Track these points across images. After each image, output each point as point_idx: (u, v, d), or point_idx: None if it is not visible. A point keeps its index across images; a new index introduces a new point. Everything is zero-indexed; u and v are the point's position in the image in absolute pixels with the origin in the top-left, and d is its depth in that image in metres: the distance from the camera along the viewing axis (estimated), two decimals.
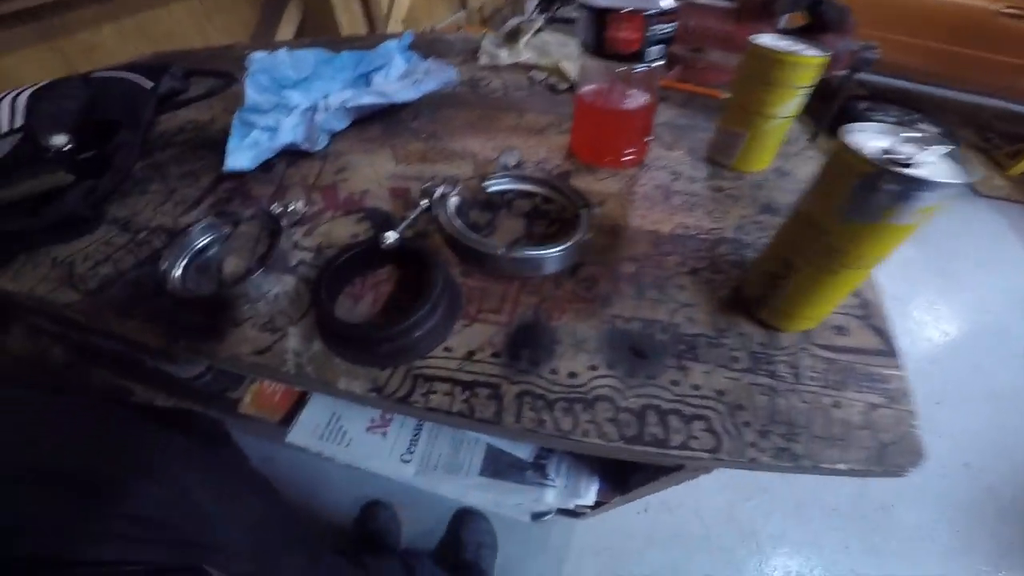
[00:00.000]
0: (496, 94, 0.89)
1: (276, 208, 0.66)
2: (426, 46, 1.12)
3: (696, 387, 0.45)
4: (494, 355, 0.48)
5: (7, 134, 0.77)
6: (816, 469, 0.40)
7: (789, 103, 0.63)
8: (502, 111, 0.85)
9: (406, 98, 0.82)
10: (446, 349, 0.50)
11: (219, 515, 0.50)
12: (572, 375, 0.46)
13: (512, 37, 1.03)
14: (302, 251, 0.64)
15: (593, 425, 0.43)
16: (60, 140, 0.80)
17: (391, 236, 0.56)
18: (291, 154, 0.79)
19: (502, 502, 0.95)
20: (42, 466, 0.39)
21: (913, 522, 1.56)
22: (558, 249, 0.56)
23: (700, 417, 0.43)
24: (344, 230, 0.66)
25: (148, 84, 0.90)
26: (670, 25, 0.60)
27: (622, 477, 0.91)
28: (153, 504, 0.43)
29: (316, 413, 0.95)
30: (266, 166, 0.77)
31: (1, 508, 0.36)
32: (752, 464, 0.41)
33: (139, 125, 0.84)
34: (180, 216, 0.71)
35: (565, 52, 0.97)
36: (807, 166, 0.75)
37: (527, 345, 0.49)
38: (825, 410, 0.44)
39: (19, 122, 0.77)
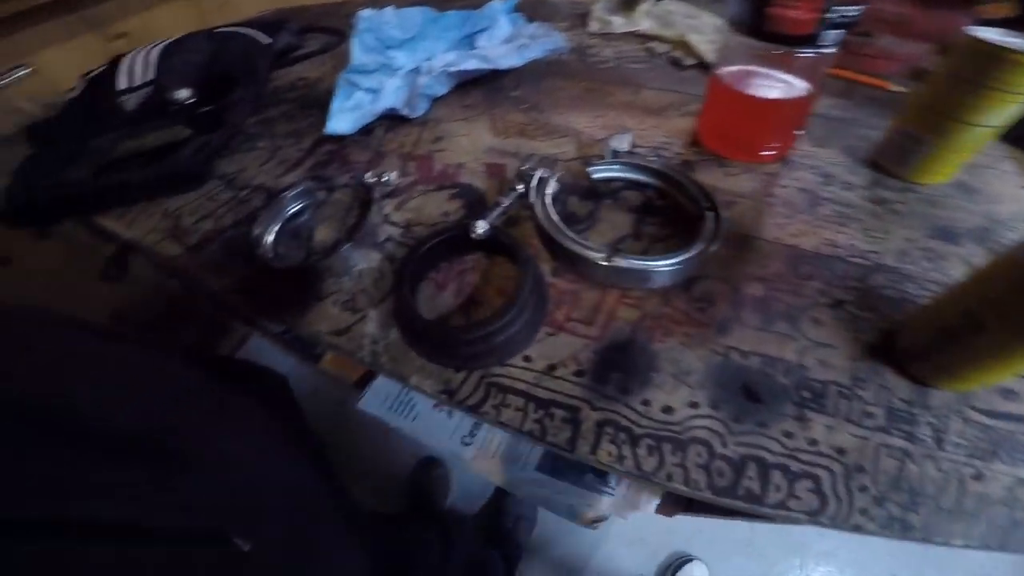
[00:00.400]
0: (606, 65, 0.79)
1: (370, 178, 0.62)
2: (531, 8, 1.02)
3: (813, 442, 0.38)
4: (578, 373, 0.43)
5: (140, 87, 0.80)
6: (927, 541, 0.34)
7: (1003, 111, 0.48)
8: (613, 85, 0.74)
9: (510, 64, 0.74)
10: (525, 358, 0.44)
11: (257, 477, 0.48)
12: (667, 410, 0.40)
13: (628, 3, 0.91)
14: (391, 226, 0.60)
15: (680, 469, 0.37)
16: (183, 94, 0.83)
17: (481, 227, 0.50)
18: (390, 119, 0.75)
19: (555, 501, 0.90)
20: (60, 413, 0.36)
21: (976, 560, 1.33)
22: (674, 262, 0.46)
23: (809, 476, 0.36)
24: (435, 207, 0.61)
25: (266, 40, 0.90)
26: (856, 8, 0.47)
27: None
28: (179, 466, 0.41)
29: (388, 383, 0.95)
30: (366, 130, 0.74)
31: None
32: (854, 530, 0.34)
33: (255, 81, 0.84)
34: (280, 176, 0.70)
35: (692, 24, 0.83)
36: (1002, 183, 0.58)
37: (618, 367, 0.43)
38: (962, 481, 0.36)
39: (150, 76, 0.80)
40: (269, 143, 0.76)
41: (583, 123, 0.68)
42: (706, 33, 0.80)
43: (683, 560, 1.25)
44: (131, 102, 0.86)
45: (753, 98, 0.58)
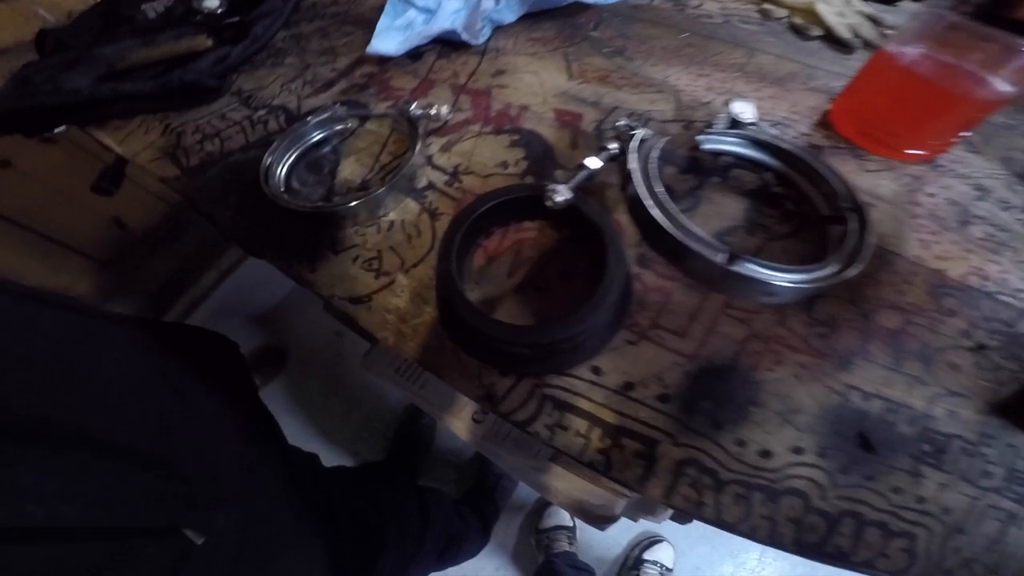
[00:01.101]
0: (711, 20, 0.63)
1: (416, 109, 0.49)
2: None
3: (920, 499, 0.31)
4: (662, 397, 0.33)
5: None
6: None
7: None
8: (720, 43, 0.59)
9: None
10: (594, 369, 0.35)
11: (212, 463, 0.37)
12: (765, 454, 0.32)
13: None
14: (435, 171, 0.47)
15: (768, 522, 0.30)
16: (213, 3, 0.69)
17: (563, 194, 0.37)
18: (444, 44, 0.61)
19: (563, 493, 0.80)
20: None
21: None
22: (809, 278, 0.34)
23: (906, 535, 0.30)
24: (490, 154, 0.48)
25: None
26: None
27: None
28: (127, 453, 0.30)
29: None
30: (414, 53, 0.60)
31: None
32: None
33: None
34: (307, 98, 0.57)
35: None
36: None
37: (712, 396, 0.33)
38: None
39: None
40: (298, 60, 0.63)
41: (683, 80, 0.54)
42: (833, 4, 0.64)
43: (652, 540, 1.22)
44: (154, 10, 0.73)
45: (940, 89, 0.42)
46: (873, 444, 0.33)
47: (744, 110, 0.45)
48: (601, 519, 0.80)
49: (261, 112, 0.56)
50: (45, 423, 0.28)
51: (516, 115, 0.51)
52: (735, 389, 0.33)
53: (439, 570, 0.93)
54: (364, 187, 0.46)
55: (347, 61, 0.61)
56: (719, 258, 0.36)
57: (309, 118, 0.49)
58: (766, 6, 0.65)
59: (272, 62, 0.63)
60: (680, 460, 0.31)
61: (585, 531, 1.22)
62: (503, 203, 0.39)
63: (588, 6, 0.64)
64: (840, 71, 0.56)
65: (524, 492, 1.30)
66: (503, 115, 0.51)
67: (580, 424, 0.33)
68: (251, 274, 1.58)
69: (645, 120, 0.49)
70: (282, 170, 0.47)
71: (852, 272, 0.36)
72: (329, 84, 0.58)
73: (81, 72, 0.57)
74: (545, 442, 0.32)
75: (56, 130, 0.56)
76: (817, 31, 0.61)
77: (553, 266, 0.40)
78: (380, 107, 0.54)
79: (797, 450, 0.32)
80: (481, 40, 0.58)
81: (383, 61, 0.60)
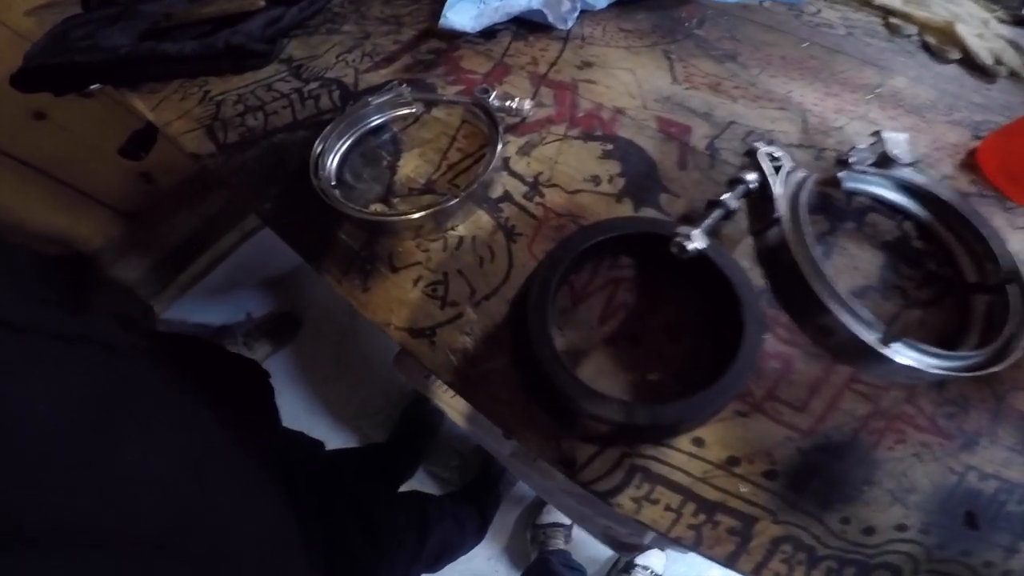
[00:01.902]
0: (833, 31, 0.53)
1: (494, 100, 0.40)
2: None
3: (1007, 572, 0.28)
4: (768, 474, 0.30)
5: None
6: None
7: None
8: (848, 59, 0.49)
9: None
10: (696, 441, 0.31)
11: (223, 549, 0.31)
12: (868, 531, 0.29)
13: None
14: (512, 178, 0.39)
15: None
16: None
17: (696, 240, 0.29)
18: (520, 23, 0.52)
19: (592, 521, 0.74)
20: None
21: None
22: (965, 364, 0.29)
23: None
24: (578, 163, 0.39)
25: None
26: None
27: None
28: (138, 551, 0.24)
29: None
30: (487, 32, 0.50)
31: None
32: None
33: None
34: (365, 72, 0.48)
35: (958, 12, 0.55)
36: None
37: (823, 475, 0.30)
38: None
39: None
40: (357, 28, 0.54)
41: (809, 97, 0.44)
42: (972, 24, 0.54)
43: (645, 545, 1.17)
44: None
45: None
46: (978, 522, 0.31)
47: (899, 145, 0.36)
48: (630, 547, 0.74)
49: (313, 85, 0.47)
50: (58, 528, 0.21)
51: (609, 119, 0.42)
52: (850, 468, 0.30)
53: (431, 572, 0.89)
54: (428, 189, 0.38)
55: (412, 33, 0.52)
56: (871, 336, 0.29)
57: (370, 99, 0.41)
58: (894, 20, 0.55)
59: (328, 28, 0.54)
60: (777, 537, 0.29)
61: (580, 530, 1.18)
62: (608, 240, 0.31)
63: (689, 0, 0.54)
64: (983, 103, 0.46)
65: (521, 488, 1.25)
66: (593, 117, 0.42)
67: (672, 499, 0.29)
68: (272, 237, 1.52)
69: (768, 143, 0.40)
70: (334, 159, 0.39)
71: (1013, 359, 0.29)
72: (391, 58, 0.49)
73: (122, 29, 0.50)
74: (629, 515, 0.29)
75: (91, 87, 0.49)
76: (955, 54, 0.51)
77: (655, 316, 0.33)
78: (449, 91, 0.45)
79: (901, 527, 0.29)
80: (568, 24, 0.48)
81: (453, 36, 0.51)
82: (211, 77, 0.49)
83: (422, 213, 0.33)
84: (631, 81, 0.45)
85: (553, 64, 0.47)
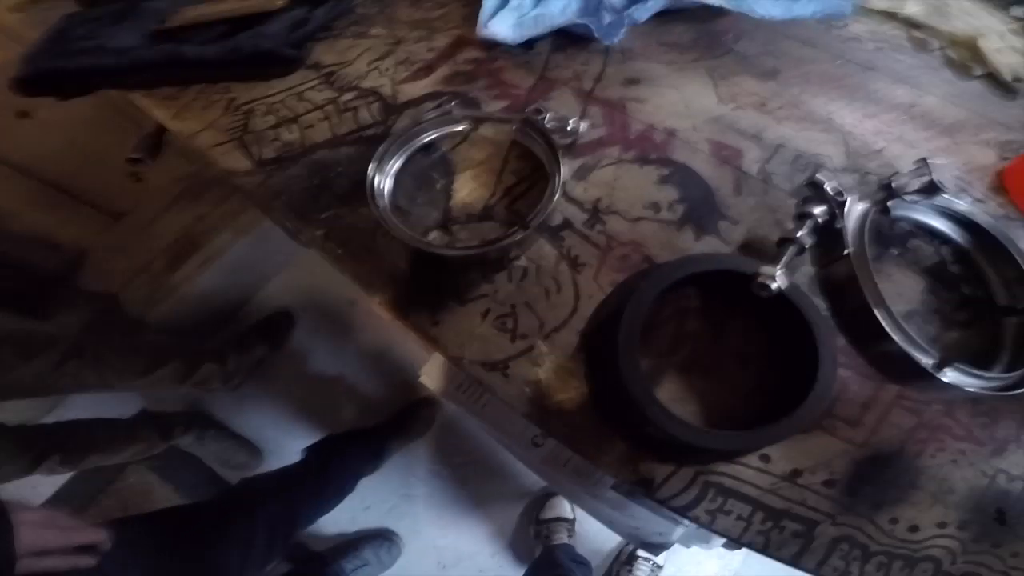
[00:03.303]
0: (862, 47, 0.52)
1: (548, 119, 0.38)
2: None
3: None
4: (827, 483, 0.33)
5: None
6: None
7: None
8: (881, 77, 0.49)
9: (767, 13, 0.47)
10: (763, 457, 0.33)
11: None
12: (913, 529, 0.32)
13: None
14: (570, 204, 0.38)
15: None
16: None
17: (779, 280, 0.28)
18: (557, 34, 0.49)
19: (620, 522, 0.74)
20: None
21: None
22: (1007, 383, 0.31)
23: None
24: (636, 189, 0.38)
25: None
26: None
27: None
28: None
29: None
30: (525, 43, 0.48)
31: None
32: None
33: None
34: (402, 83, 0.45)
35: (980, 25, 0.55)
36: None
37: (876, 481, 0.33)
38: None
39: None
40: (386, 31, 0.50)
41: (848, 119, 0.44)
42: (992, 39, 0.54)
43: None
44: None
45: None
46: (1007, 518, 0.33)
47: (943, 173, 0.36)
48: (657, 546, 0.75)
49: (348, 96, 0.44)
50: None
51: (663, 142, 0.41)
52: (898, 474, 0.33)
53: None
54: (487, 216, 0.37)
55: (446, 40, 0.49)
56: (927, 361, 0.31)
57: (426, 115, 0.39)
58: (918, 34, 0.55)
59: (355, 31, 0.50)
60: (836, 537, 0.31)
61: (582, 523, 1.19)
62: (687, 278, 0.30)
63: (727, 12, 0.52)
64: (1007, 121, 0.47)
65: (530, 480, 1.25)
66: (646, 139, 0.41)
67: (743, 509, 0.31)
68: (268, 235, 1.45)
69: (816, 167, 0.40)
70: (388, 182, 0.37)
71: None
72: (429, 68, 0.47)
73: (129, 28, 0.45)
74: (703, 525, 0.31)
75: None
76: (978, 70, 0.52)
77: (725, 346, 0.33)
78: (494, 107, 0.43)
79: (942, 524, 0.32)
80: (615, 40, 0.46)
81: (490, 46, 0.48)
82: (234, 83, 0.45)
83: (496, 247, 0.32)
84: (678, 100, 0.44)
85: (598, 80, 0.45)
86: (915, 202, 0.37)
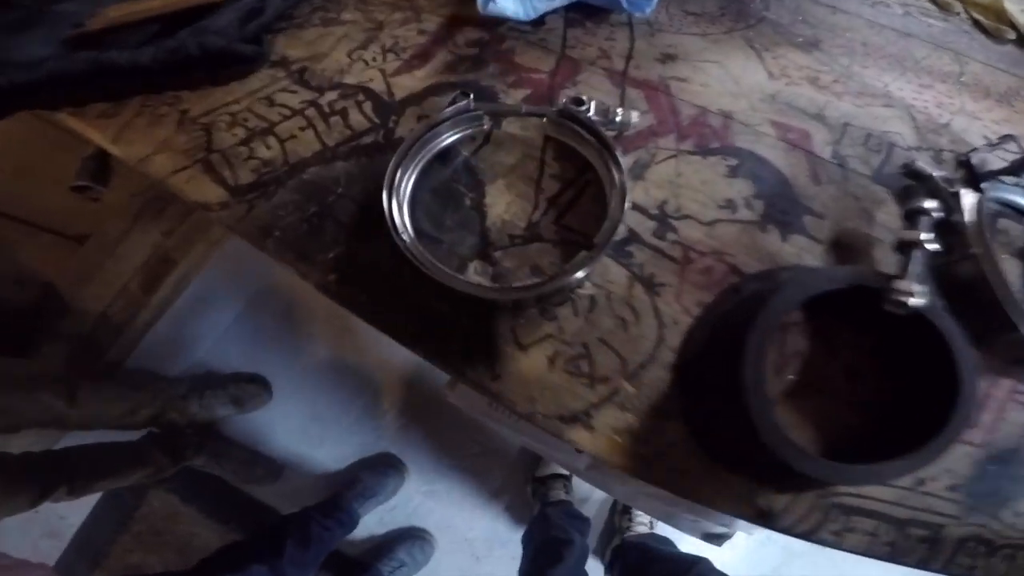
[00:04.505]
0: (891, 13, 0.48)
1: (596, 112, 0.31)
2: None
3: None
4: (952, 487, 0.30)
5: None
6: None
7: None
8: (922, 44, 0.44)
9: None
10: None
11: None
12: None
13: None
14: (633, 211, 0.31)
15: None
16: None
17: (919, 296, 0.23)
18: (570, 7, 0.42)
19: (679, 517, 0.71)
20: None
21: None
22: None
23: None
24: (705, 186, 0.32)
25: None
26: None
27: None
28: None
29: None
30: (536, 19, 0.40)
31: None
32: None
33: None
34: (396, 75, 0.37)
35: None
36: None
37: (998, 479, 0.31)
38: None
39: None
40: (361, 16, 0.41)
41: (907, 91, 0.39)
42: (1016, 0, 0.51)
43: None
44: None
45: None
46: None
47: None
48: (719, 536, 0.74)
49: (332, 96, 0.36)
50: None
51: (721, 127, 0.35)
52: (1018, 470, 0.31)
53: None
54: (534, 236, 0.30)
55: (436, 19, 0.41)
56: None
57: (446, 113, 0.31)
58: None
59: (322, 17, 0.41)
60: (962, 537, 0.30)
61: (579, 481, 1.14)
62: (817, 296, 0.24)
63: None
64: None
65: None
66: (702, 124, 0.35)
67: (868, 524, 0.29)
68: (244, 245, 1.30)
69: (889, 146, 0.35)
70: (405, 203, 0.29)
71: None
72: (424, 55, 0.38)
73: (40, 37, 0.34)
74: (830, 546, 0.29)
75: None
76: (1010, 33, 0.48)
77: (832, 361, 0.28)
78: (514, 96, 0.36)
79: None
80: (648, 11, 0.39)
81: (492, 23, 0.40)
82: (183, 92, 0.36)
83: (559, 283, 0.25)
84: (724, 77, 0.38)
85: (629, 57, 0.38)
86: (1015, 184, 0.33)
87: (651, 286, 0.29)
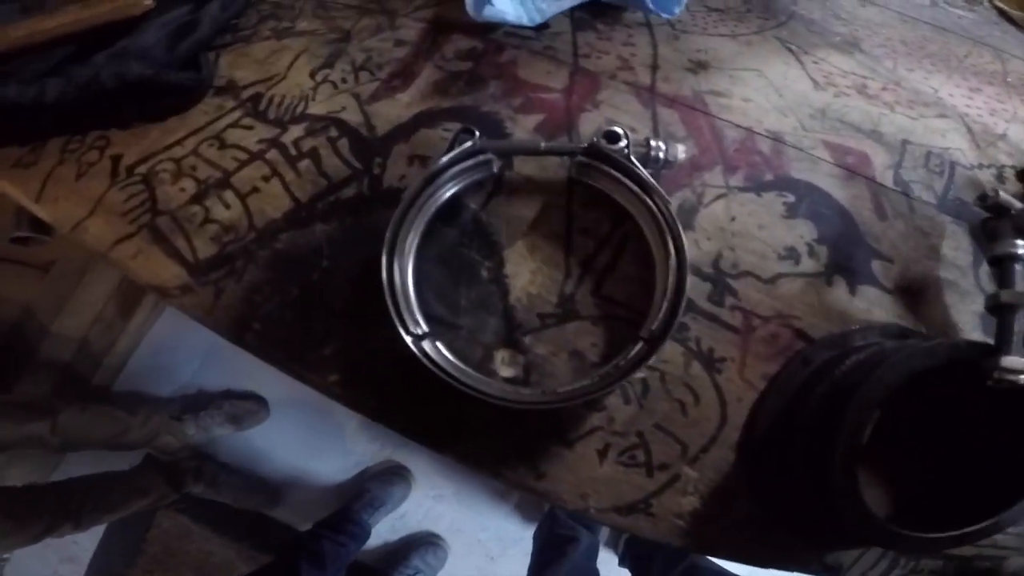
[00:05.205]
0: (920, 4, 0.43)
1: (629, 147, 0.26)
2: None
3: None
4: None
5: None
6: None
7: None
8: (959, 40, 0.40)
9: None
10: None
11: None
12: None
13: None
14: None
15: None
16: None
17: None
18: (577, 6, 0.35)
19: None
20: None
21: None
22: None
23: None
24: (764, 232, 0.27)
25: None
26: None
27: None
28: None
29: None
30: (539, 24, 0.34)
31: None
32: None
33: None
34: (374, 102, 0.30)
35: None
36: None
37: None
38: None
39: None
40: (321, 24, 0.34)
41: (957, 96, 0.35)
42: None
43: None
44: None
45: None
46: None
47: None
48: None
49: (296, 131, 0.29)
50: None
51: (772, 153, 0.30)
52: None
53: None
54: (570, 313, 0.24)
55: (417, 27, 0.34)
56: None
57: (445, 161, 0.24)
58: None
59: (273, 28, 0.33)
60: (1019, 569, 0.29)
61: None
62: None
63: None
64: None
65: None
66: (750, 152, 0.29)
67: (935, 564, 0.28)
68: None
69: (951, 166, 0.31)
70: (410, 281, 0.23)
71: None
72: (406, 73, 0.31)
73: None
74: None
75: None
76: None
77: (905, 420, 0.25)
78: (524, 125, 0.29)
79: None
80: (677, 9, 0.33)
81: (485, 29, 0.33)
82: (111, 131, 0.28)
83: (605, 390, 0.20)
84: (766, 88, 0.32)
85: (655, 68, 0.33)
86: None
87: (711, 363, 0.24)
